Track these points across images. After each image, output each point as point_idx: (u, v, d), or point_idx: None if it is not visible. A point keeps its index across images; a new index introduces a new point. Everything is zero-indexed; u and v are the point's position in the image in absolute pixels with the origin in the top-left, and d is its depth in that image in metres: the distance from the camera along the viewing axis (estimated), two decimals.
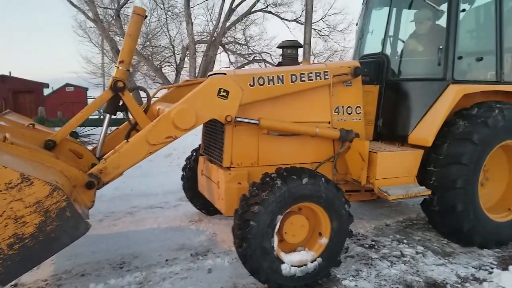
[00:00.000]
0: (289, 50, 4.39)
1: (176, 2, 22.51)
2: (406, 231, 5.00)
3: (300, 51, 4.43)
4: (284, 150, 3.97)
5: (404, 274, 3.80)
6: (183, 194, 5.47)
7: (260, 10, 20.63)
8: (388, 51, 4.99)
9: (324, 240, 3.50)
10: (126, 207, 5.89)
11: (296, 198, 3.30)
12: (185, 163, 5.28)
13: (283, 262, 3.34)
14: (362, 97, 4.28)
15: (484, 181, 4.64)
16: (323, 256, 3.48)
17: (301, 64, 4.44)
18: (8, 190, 2.41)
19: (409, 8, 5.03)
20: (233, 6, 19.31)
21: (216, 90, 3.49)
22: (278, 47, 4.52)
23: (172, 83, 20.50)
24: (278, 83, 3.78)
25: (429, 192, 4.10)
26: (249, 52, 21.58)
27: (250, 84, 3.67)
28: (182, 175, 5.25)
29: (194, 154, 5.22)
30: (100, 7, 18.38)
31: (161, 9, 19.97)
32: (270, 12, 20.71)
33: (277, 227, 3.27)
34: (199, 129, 4.34)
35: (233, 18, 19.84)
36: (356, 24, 5.59)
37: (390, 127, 4.62)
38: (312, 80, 3.93)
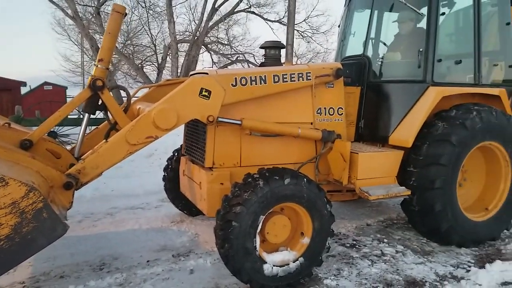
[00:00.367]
0: (272, 50, 4.38)
1: (158, 0, 22.28)
2: (386, 230, 5.06)
3: (283, 51, 4.43)
4: (267, 151, 3.97)
5: (385, 273, 3.84)
6: (164, 195, 5.42)
7: (243, 10, 20.65)
8: (369, 53, 5.04)
9: (306, 240, 3.51)
10: (106, 208, 5.79)
11: (278, 198, 3.30)
12: (166, 163, 5.23)
13: (265, 262, 3.34)
14: (344, 99, 4.31)
15: (462, 182, 4.73)
16: (305, 256, 3.49)
17: (283, 64, 4.44)
18: None
19: (390, 10, 5.09)
20: (215, 6, 19.29)
21: (198, 90, 3.46)
22: (260, 48, 4.51)
23: (154, 82, 20.33)
24: (260, 84, 3.77)
25: (409, 192, 4.16)
26: (232, 52, 21.56)
27: (232, 84, 3.65)
28: (164, 175, 5.20)
29: (176, 154, 5.17)
30: (80, 4, 18.05)
31: (143, 7, 19.80)
32: (253, 12, 20.75)
33: (259, 227, 3.27)
34: (181, 129, 4.30)
35: (216, 17, 19.82)
36: (338, 26, 5.63)
37: (371, 128, 4.67)
38: (294, 81, 3.93)
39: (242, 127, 3.73)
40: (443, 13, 4.47)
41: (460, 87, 4.51)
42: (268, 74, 3.81)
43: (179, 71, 19.27)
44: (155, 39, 21.73)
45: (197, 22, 19.84)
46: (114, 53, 19.90)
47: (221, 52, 21.77)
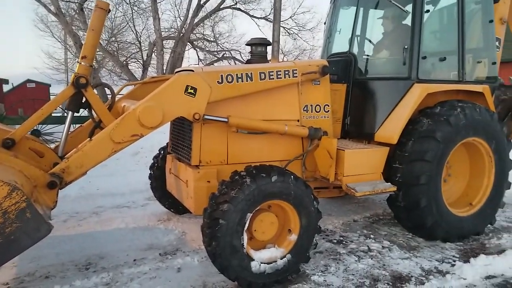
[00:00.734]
0: (258, 47, 4.37)
1: None
2: (373, 226, 5.11)
3: (269, 48, 4.42)
4: (254, 148, 3.96)
5: (371, 268, 3.88)
6: (151, 193, 5.38)
7: (229, 7, 20.54)
8: (355, 50, 5.06)
9: (293, 237, 3.52)
10: (92, 207, 5.74)
11: (266, 196, 3.30)
12: (152, 161, 5.18)
13: (253, 260, 3.34)
14: (330, 96, 4.32)
15: (447, 177, 4.80)
16: (293, 253, 3.50)
17: (269, 62, 4.43)
18: None
19: (376, 8, 5.12)
20: (201, 2, 19.13)
21: (183, 87, 3.43)
22: (247, 45, 4.49)
23: (139, 79, 20.12)
24: (247, 81, 3.75)
25: (395, 189, 4.20)
26: (218, 49, 21.44)
27: (218, 81, 3.63)
28: (150, 174, 5.15)
29: (162, 152, 5.12)
30: (63, 0, 17.74)
31: (127, 3, 19.50)
32: (239, 9, 20.65)
33: (246, 225, 3.26)
34: (167, 127, 4.26)
35: (201, 14, 19.64)
36: (324, 23, 5.64)
37: (357, 125, 4.70)
38: (281, 78, 3.93)
39: (229, 124, 3.71)
40: (428, 11, 4.51)
41: (445, 84, 4.56)
42: (254, 71, 3.80)
43: (164, 68, 19.09)
44: (140, 36, 21.45)
45: (182, 18, 19.67)
46: (98, 50, 19.65)
47: (207, 49, 21.63)
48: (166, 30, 20.94)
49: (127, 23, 20.77)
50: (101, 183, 6.70)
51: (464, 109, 4.34)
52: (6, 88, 23.76)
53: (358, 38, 5.14)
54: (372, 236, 4.72)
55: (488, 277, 3.73)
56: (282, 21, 20.04)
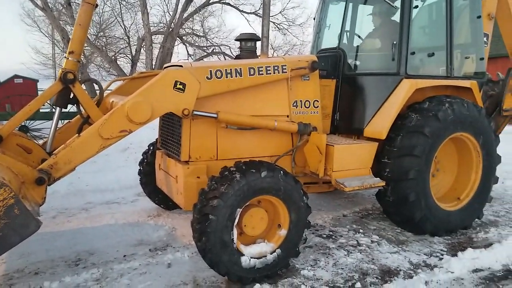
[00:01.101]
0: (247, 43, 4.36)
1: None
2: (362, 221, 5.14)
3: (259, 44, 4.42)
4: (243, 144, 3.96)
5: (360, 263, 3.91)
6: (140, 189, 5.36)
7: (219, 2, 20.41)
8: (344, 45, 5.07)
9: (283, 232, 3.54)
10: (81, 203, 5.70)
11: (255, 191, 3.31)
12: (142, 157, 5.16)
13: (242, 255, 3.35)
14: (320, 91, 4.33)
15: (435, 172, 4.85)
16: (282, 248, 3.52)
17: (259, 57, 4.42)
18: None
19: (365, 3, 5.13)
20: None
21: (172, 83, 3.41)
22: (236, 40, 4.48)
23: (128, 75, 19.95)
24: (236, 76, 3.74)
25: (383, 183, 4.23)
26: (207, 44, 21.33)
27: (207, 77, 3.61)
28: (139, 169, 5.13)
29: (151, 148, 5.10)
30: None
31: None
32: (228, 4, 20.53)
33: (236, 220, 3.27)
34: (156, 122, 4.24)
35: (190, 9, 19.50)
36: (314, 18, 5.64)
37: (347, 120, 4.71)
38: (270, 73, 3.92)
39: (218, 120, 3.70)
40: (416, 6, 4.53)
41: (433, 80, 4.60)
42: (244, 66, 3.79)
43: (153, 63, 18.95)
44: (129, 31, 21.29)
45: (171, 13, 19.53)
46: (86, 45, 19.42)
47: (197, 44, 21.50)
48: (155, 25, 20.80)
49: (116, 18, 20.58)
50: (90, 179, 6.65)
51: (452, 105, 4.38)
52: None
53: (347, 33, 5.15)
54: (361, 230, 4.75)
55: (475, 271, 3.78)
56: (272, 16, 20.00)
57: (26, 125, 8.97)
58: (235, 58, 4.45)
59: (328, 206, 5.69)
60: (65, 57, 3.60)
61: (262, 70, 3.87)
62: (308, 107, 4.25)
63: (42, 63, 24.93)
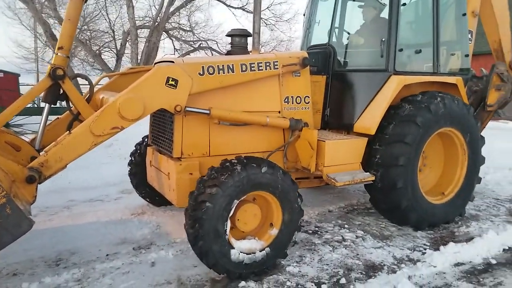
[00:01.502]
0: (238, 39, 4.35)
1: None
2: (347, 216, 5.18)
3: (249, 39, 4.41)
4: (236, 140, 3.97)
5: (345, 258, 3.94)
6: (124, 186, 5.25)
7: None
8: (334, 42, 5.11)
9: (274, 231, 3.56)
10: (63, 201, 5.57)
11: (254, 185, 3.35)
12: (131, 154, 5.08)
13: (233, 248, 3.35)
14: (310, 87, 4.36)
15: (422, 167, 4.94)
16: (272, 246, 3.54)
17: (250, 53, 4.43)
18: None
19: (354, 0, 5.16)
20: None
21: (164, 79, 3.40)
22: (227, 36, 4.47)
23: (113, 69, 19.68)
24: (228, 73, 3.75)
25: (373, 178, 4.30)
26: (194, 39, 21.17)
27: (199, 73, 3.60)
28: (130, 161, 5.05)
29: (139, 146, 5.04)
30: None
31: None
32: None
33: (232, 211, 3.29)
34: (145, 119, 4.19)
35: (177, 3, 19.32)
36: (304, 15, 5.66)
37: (337, 116, 4.76)
38: (262, 70, 3.94)
39: (211, 116, 3.70)
40: (404, 4, 4.58)
41: (420, 76, 4.68)
42: (236, 63, 3.79)
43: (139, 58, 18.72)
44: (114, 25, 20.95)
45: (157, 7, 19.30)
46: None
47: (183, 38, 21.33)
48: (141, 18, 20.53)
49: (100, 11, 20.21)
50: (73, 177, 6.47)
51: (444, 99, 4.48)
52: None
53: (337, 30, 5.18)
54: (346, 226, 4.78)
55: (457, 265, 3.83)
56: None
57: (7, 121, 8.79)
58: (226, 54, 4.44)
59: (314, 202, 5.71)
60: (55, 52, 3.55)
61: (254, 66, 3.88)
62: (299, 103, 4.28)
63: (23, 57, 24.32)
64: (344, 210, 5.43)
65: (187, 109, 3.55)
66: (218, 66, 3.70)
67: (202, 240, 3.19)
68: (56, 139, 3.99)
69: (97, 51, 19.95)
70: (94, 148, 3.29)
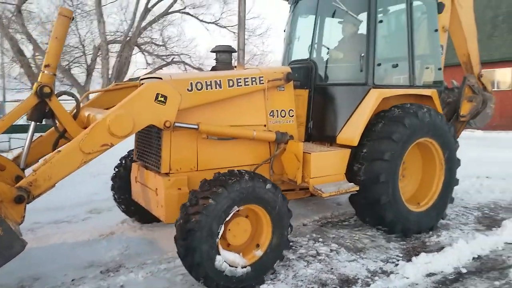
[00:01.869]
0: (223, 55, 4.42)
1: None
2: (321, 229, 5.14)
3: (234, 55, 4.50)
4: (223, 154, 4.01)
5: (319, 273, 3.88)
6: (93, 206, 4.96)
7: (178, 11, 20.33)
8: (315, 57, 5.25)
9: (259, 253, 3.59)
10: (27, 223, 5.00)
11: (257, 197, 3.43)
12: (115, 170, 4.99)
13: (219, 254, 3.33)
14: (294, 101, 4.47)
15: (401, 177, 5.08)
16: (253, 267, 3.52)
17: (235, 68, 4.51)
18: None
19: (333, 17, 5.34)
20: (148, 6, 18.80)
21: (154, 95, 3.42)
22: (211, 52, 4.53)
23: (83, 85, 19.35)
24: (216, 88, 3.81)
25: (357, 188, 4.41)
26: (167, 53, 21.13)
27: (188, 89, 3.65)
28: (112, 184, 4.93)
29: (123, 162, 4.97)
30: None
31: (70, 6, 18.68)
32: (188, 13, 20.49)
33: (230, 216, 3.33)
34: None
35: (149, 18, 19.29)
36: (284, 31, 5.80)
37: (320, 128, 4.88)
38: (248, 85, 4.02)
39: (200, 131, 3.73)
40: (381, 21, 4.79)
41: (398, 89, 4.87)
42: (223, 78, 3.86)
43: (110, 73, 18.52)
44: (84, 40, 20.67)
45: (129, 22, 19.21)
46: (38, 54, 18.65)
47: (156, 53, 21.26)
48: (112, 33, 20.35)
49: (70, 26, 19.88)
50: (39, 197, 6.12)
51: (417, 112, 4.65)
52: None
53: (317, 45, 5.34)
54: (320, 239, 4.72)
55: (429, 275, 3.83)
56: (231, 27, 20.21)
57: None
58: (211, 70, 4.50)
59: None
60: (41, 70, 3.52)
61: (240, 82, 3.95)
62: (284, 116, 4.37)
63: None
64: (319, 223, 5.38)
65: (176, 124, 3.57)
66: (206, 82, 3.75)
67: (195, 235, 3.16)
68: (39, 158, 3.93)
69: (67, 66, 19.58)
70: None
